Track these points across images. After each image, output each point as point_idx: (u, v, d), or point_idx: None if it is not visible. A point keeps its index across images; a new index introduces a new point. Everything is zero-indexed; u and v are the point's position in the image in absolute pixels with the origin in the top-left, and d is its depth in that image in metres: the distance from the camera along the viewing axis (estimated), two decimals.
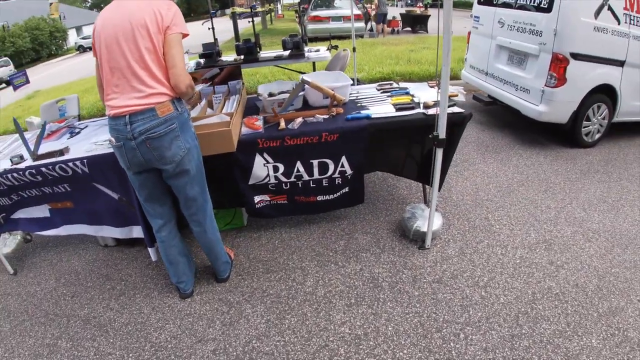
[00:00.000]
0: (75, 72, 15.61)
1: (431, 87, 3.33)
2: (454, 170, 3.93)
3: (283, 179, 2.81)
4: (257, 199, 2.89)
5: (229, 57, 5.13)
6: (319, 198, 2.94)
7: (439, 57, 2.27)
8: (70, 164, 2.51)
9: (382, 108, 2.90)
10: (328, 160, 2.76)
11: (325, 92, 2.77)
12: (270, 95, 3.05)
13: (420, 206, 3.00)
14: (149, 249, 2.82)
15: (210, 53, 4.77)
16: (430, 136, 2.42)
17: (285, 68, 6.06)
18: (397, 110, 2.83)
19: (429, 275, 2.59)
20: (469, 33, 5.37)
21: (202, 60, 4.82)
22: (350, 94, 3.21)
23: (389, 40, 8.92)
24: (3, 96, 12.25)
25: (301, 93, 2.97)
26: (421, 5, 19.30)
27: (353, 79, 5.38)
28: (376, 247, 2.92)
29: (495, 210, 3.26)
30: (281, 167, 2.75)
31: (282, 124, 2.69)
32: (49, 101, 3.80)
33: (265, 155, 2.69)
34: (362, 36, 13.21)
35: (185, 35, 2.04)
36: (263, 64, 5.05)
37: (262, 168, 2.73)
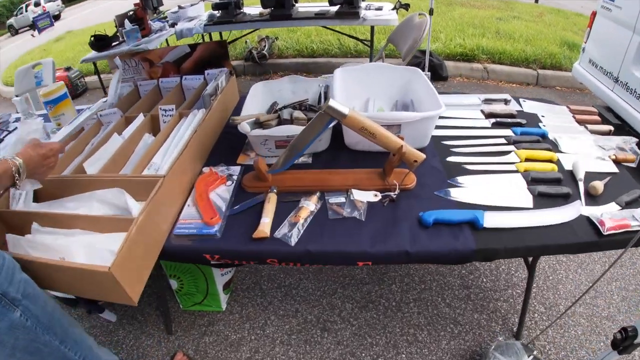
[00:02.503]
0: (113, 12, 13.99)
1: (580, 124, 1.69)
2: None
3: None
4: None
5: (252, 9, 3.67)
6: None
7: None
8: None
9: (502, 190, 1.30)
10: None
11: (379, 140, 1.18)
12: (258, 124, 1.43)
13: (515, 345, 1.43)
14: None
15: (228, 2, 3.37)
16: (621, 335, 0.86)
17: (333, 30, 4.37)
18: (539, 196, 1.26)
19: None
20: (594, 13, 3.56)
21: (216, 13, 3.48)
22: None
23: (468, 0, 7.05)
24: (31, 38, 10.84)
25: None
26: None
27: (424, 52, 3.69)
28: None
29: None
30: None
31: (266, 220, 1.15)
32: (25, 66, 3.01)
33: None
34: None
35: None
36: (298, 23, 3.60)
37: None
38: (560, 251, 1.20)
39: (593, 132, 1.62)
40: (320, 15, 3.27)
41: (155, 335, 1.69)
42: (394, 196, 1.24)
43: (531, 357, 1.37)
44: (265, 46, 4.72)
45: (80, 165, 1.30)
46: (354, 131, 1.15)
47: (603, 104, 3.59)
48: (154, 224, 1.12)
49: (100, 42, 3.32)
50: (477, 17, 5.79)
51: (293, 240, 1.10)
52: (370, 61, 3.74)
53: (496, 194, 1.28)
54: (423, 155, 1.23)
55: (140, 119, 1.55)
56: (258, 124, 1.36)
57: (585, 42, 3.68)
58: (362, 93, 1.74)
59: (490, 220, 1.17)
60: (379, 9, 3.39)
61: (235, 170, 1.40)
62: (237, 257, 1.16)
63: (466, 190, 1.31)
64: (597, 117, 1.74)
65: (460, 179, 1.35)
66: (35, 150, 1.04)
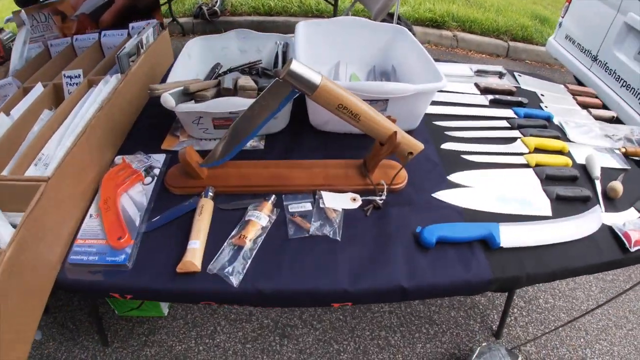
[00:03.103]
0: None
1: (581, 105, 1.46)
2: None
3: None
4: None
5: None
6: None
7: None
8: None
9: (514, 192, 0.99)
10: None
11: (364, 124, 0.80)
12: (188, 96, 0.97)
13: (499, 351, 1.27)
14: None
15: None
16: None
17: None
18: (557, 200, 0.98)
19: None
20: None
21: None
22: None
23: None
24: None
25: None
26: None
27: (392, 15, 3.30)
28: None
29: None
30: None
31: (196, 244, 0.77)
32: None
33: None
34: None
35: None
36: None
37: None
38: (585, 272, 0.92)
39: (596, 117, 1.37)
40: None
41: (90, 348, 1.38)
42: (380, 202, 0.89)
43: None
44: (216, 2, 4.15)
45: None
46: (325, 108, 0.77)
47: (573, 82, 3.45)
48: (35, 256, 0.72)
49: None
50: None
51: (236, 279, 0.72)
52: None
53: (509, 198, 0.98)
54: (421, 146, 0.88)
55: (38, 90, 1.09)
56: (188, 94, 0.94)
57: (563, 17, 3.49)
58: (331, 55, 1.35)
59: (508, 237, 0.86)
60: None
61: (159, 160, 0.98)
62: (156, 297, 0.78)
63: (472, 191, 0.98)
64: (598, 101, 1.49)
65: (462, 175, 1.03)
66: None
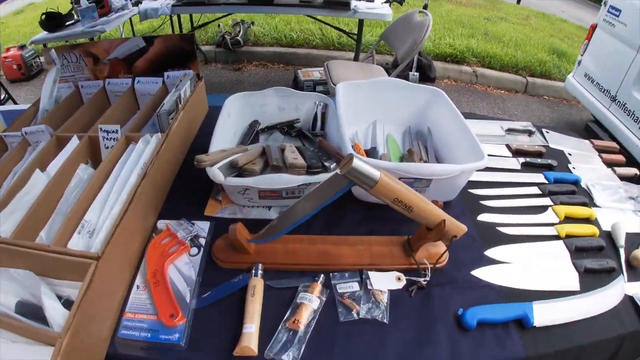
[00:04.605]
0: None
1: (605, 163, 1.50)
2: None
3: None
4: None
5: None
6: None
7: None
8: None
9: (546, 267, 1.03)
10: None
11: (416, 214, 0.82)
12: (235, 168, 1.00)
13: None
14: None
15: None
16: None
17: (315, 18, 3.92)
18: (584, 272, 1.02)
19: None
20: (594, 26, 3.39)
21: None
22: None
23: None
24: None
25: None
26: None
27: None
28: None
29: None
30: None
31: (252, 328, 0.79)
32: None
33: None
34: None
35: None
36: (280, 10, 3.22)
37: None
38: (608, 345, 0.94)
39: (621, 177, 1.42)
40: (305, 3, 2.85)
41: None
42: (424, 282, 0.91)
43: None
44: (239, 31, 4.23)
45: None
46: (381, 200, 0.80)
47: (590, 119, 3.47)
48: (89, 334, 0.75)
49: (52, 22, 2.79)
50: (465, 15, 5.53)
51: None
52: (356, 56, 3.38)
53: (541, 273, 1.01)
54: (465, 229, 0.91)
55: (73, 143, 1.11)
56: (235, 167, 0.97)
57: (582, 55, 3.52)
58: (369, 115, 1.39)
59: (541, 316, 0.89)
60: (371, 0, 3.01)
61: (203, 228, 1.01)
62: None
63: (508, 268, 1.01)
64: (621, 157, 1.54)
65: (498, 250, 1.06)
66: None
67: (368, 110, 1.38)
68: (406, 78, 3.66)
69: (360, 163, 0.74)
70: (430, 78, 3.87)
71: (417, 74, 3.72)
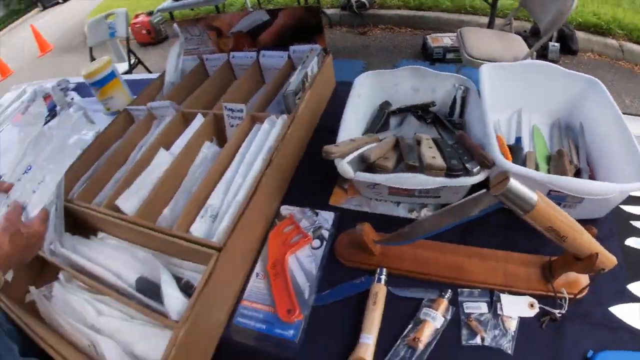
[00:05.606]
0: None
1: None
2: None
3: None
4: None
5: None
6: None
7: None
8: None
9: None
10: None
11: (569, 244, 0.68)
12: (365, 162, 0.92)
13: None
14: None
15: None
16: None
17: None
18: None
19: None
20: None
21: None
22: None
23: None
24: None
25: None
26: None
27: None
28: None
29: None
30: None
31: (369, 340, 0.74)
32: (97, 16, 2.98)
33: None
34: None
35: None
36: None
37: None
38: None
39: None
40: None
41: None
42: (559, 315, 0.77)
43: None
44: None
45: (112, 200, 0.93)
46: (532, 225, 0.67)
47: None
48: (206, 321, 0.77)
49: None
50: None
51: None
52: (490, 21, 3.05)
53: None
54: (614, 261, 0.74)
55: (198, 121, 1.13)
56: (366, 161, 0.90)
57: None
58: (513, 101, 1.21)
59: None
60: None
61: (327, 219, 0.97)
62: None
63: None
64: None
65: None
66: (13, 242, 0.75)
67: (513, 96, 1.19)
68: (545, 49, 3.25)
69: (518, 185, 0.62)
70: (572, 50, 3.36)
71: (557, 44, 3.26)
